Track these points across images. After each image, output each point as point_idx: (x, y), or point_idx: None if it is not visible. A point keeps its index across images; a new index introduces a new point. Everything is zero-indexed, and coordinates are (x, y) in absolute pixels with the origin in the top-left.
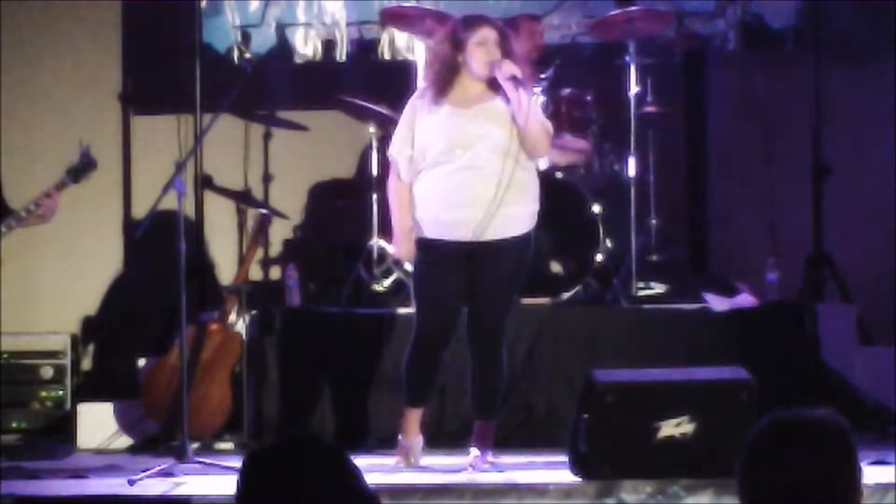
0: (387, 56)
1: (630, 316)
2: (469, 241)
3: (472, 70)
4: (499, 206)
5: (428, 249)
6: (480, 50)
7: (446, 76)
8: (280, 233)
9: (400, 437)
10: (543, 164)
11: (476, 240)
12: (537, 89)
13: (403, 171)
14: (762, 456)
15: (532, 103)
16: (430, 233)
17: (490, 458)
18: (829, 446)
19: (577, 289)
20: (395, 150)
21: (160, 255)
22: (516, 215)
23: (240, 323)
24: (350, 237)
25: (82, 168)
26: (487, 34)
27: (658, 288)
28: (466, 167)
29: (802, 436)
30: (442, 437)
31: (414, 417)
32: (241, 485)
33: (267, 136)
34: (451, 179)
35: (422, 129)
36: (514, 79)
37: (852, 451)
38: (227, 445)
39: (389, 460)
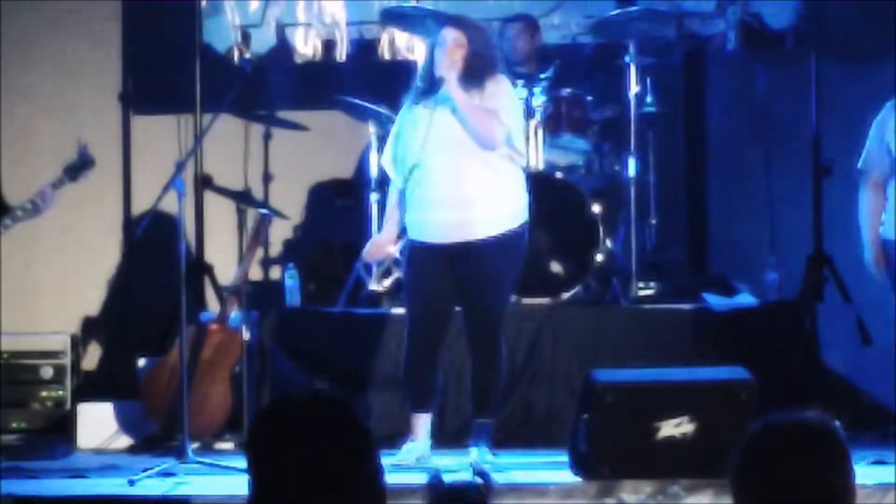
0: (387, 56)
1: (630, 316)
2: (447, 242)
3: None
4: (472, 205)
5: (413, 252)
6: (437, 51)
7: (423, 80)
8: (280, 233)
9: (409, 439)
10: (520, 160)
11: (454, 241)
12: (538, 89)
13: (390, 174)
14: (755, 459)
15: (464, 98)
16: (413, 235)
17: (490, 457)
18: (822, 448)
19: (577, 289)
20: (383, 156)
21: (160, 254)
22: (492, 214)
23: (239, 323)
24: (350, 237)
25: (80, 166)
26: (445, 35)
27: (657, 288)
28: (438, 168)
29: (794, 438)
30: (442, 437)
31: (419, 422)
32: (256, 437)
33: (267, 136)
34: (424, 181)
35: (401, 131)
36: (441, 79)
37: (845, 452)
38: (227, 445)
39: (389, 460)
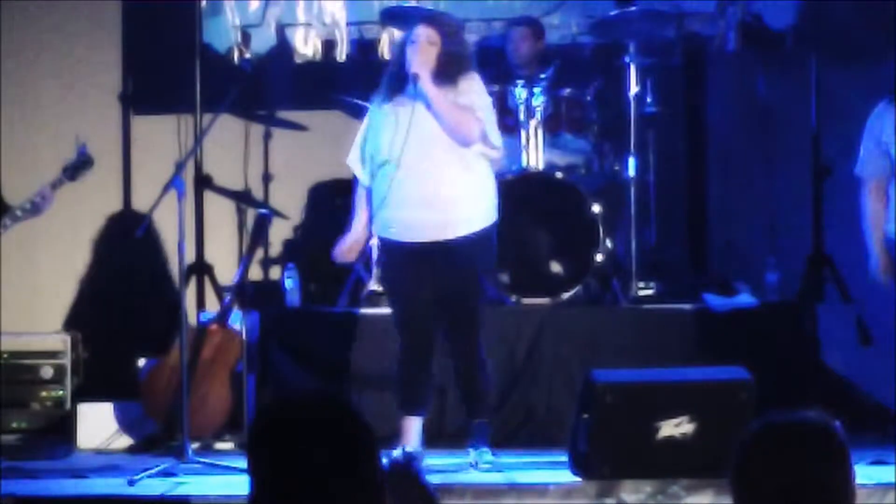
0: (387, 56)
1: (630, 316)
2: (420, 241)
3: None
4: (447, 205)
5: (387, 252)
6: (410, 49)
7: (393, 77)
8: (280, 233)
9: (399, 445)
10: (494, 154)
11: (428, 240)
12: (538, 89)
13: (357, 173)
14: (755, 459)
15: (438, 94)
16: (385, 234)
17: (489, 457)
18: (822, 448)
19: (577, 289)
20: (350, 154)
21: (160, 254)
22: (466, 214)
23: (240, 323)
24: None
25: (79, 166)
26: (419, 32)
27: (657, 288)
28: (412, 166)
29: (795, 438)
30: (442, 437)
31: (410, 426)
32: (254, 437)
33: (267, 136)
34: (397, 179)
35: (371, 129)
36: (416, 76)
37: (845, 452)
38: (227, 445)
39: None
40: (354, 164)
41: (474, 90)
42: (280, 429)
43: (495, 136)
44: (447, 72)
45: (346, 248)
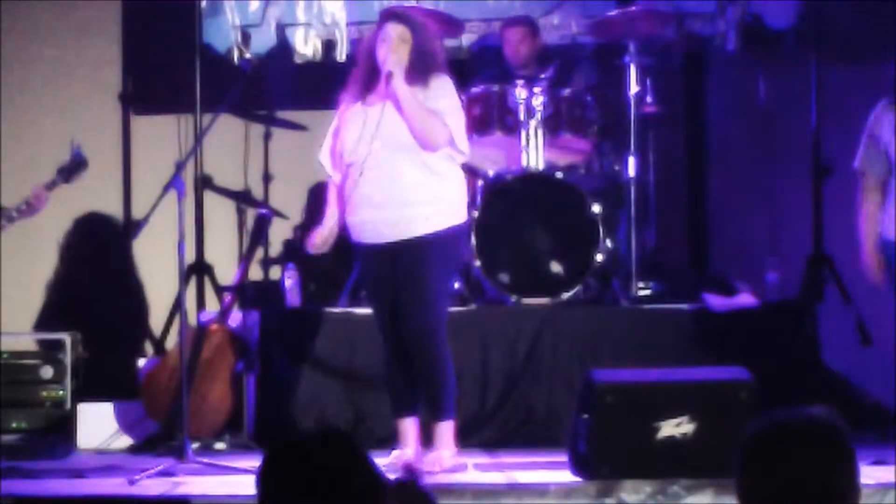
0: None
1: (630, 316)
2: (385, 242)
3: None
4: (408, 205)
5: (358, 254)
6: (381, 47)
7: (364, 74)
8: (280, 233)
9: (398, 447)
10: (460, 159)
11: (391, 240)
12: (538, 89)
13: (328, 169)
14: (759, 456)
15: (410, 96)
16: (354, 236)
17: (451, 459)
18: (827, 445)
19: (577, 289)
20: (322, 150)
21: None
22: (428, 213)
23: (239, 323)
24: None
25: (74, 167)
26: (390, 31)
27: (657, 288)
28: (375, 167)
29: (799, 435)
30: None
31: (405, 427)
32: (263, 478)
33: (267, 136)
34: (362, 179)
35: (341, 126)
36: (389, 75)
37: (850, 450)
38: (227, 445)
39: (380, 461)
40: (325, 161)
41: (445, 93)
42: (288, 471)
43: (462, 142)
44: (420, 70)
45: (320, 240)
